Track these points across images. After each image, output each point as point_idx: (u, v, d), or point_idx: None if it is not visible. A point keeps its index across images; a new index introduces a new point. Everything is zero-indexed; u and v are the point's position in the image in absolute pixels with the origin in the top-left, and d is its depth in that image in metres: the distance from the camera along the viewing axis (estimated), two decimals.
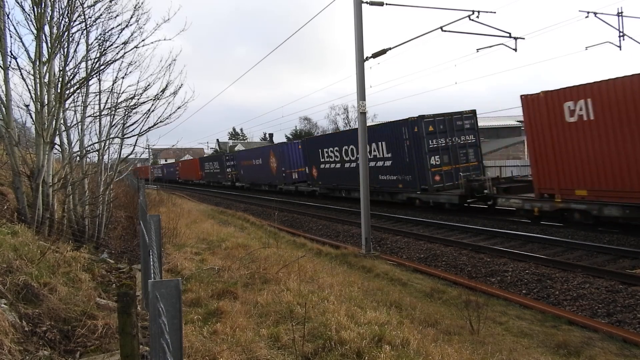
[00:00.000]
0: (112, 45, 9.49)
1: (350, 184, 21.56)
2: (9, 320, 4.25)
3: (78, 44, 9.23)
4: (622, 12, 13.43)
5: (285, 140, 68.38)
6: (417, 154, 17.79)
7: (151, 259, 3.43)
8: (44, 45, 8.44)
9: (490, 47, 13.03)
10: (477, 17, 11.90)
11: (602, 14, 13.45)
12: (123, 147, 10.97)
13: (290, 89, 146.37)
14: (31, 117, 8.58)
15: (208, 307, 5.96)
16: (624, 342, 5.99)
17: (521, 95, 13.55)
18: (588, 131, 11.84)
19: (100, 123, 10.65)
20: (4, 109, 8.20)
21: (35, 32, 8.32)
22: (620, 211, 11.38)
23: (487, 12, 12.17)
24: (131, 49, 9.63)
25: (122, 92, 10.62)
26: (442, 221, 15.53)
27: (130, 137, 10.47)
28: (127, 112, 10.47)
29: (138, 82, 10.41)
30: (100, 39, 9.53)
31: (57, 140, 9.22)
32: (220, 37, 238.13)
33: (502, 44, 12.83)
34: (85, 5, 8.85)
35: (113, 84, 10.41)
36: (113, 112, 10.59)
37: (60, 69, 8.82)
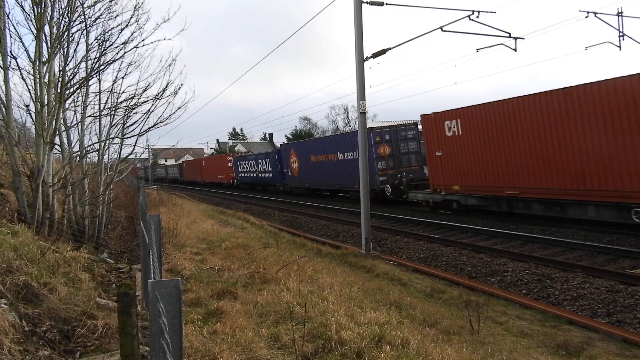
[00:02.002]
0: (112, 45, 9.48)
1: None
2: (9, 320, 4.24)
3: (78, 44, 9.23)
4: (622, 12, 13.43)
5: (285, 140, 67.95)
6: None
7: (151, 259, 3.43)
8: (44, 45, 8.44)
9: (490, 47, 13.04)
10: (477, 17, 11.90)
11: (602, 14, 13.46)
12: (123, 147, 10.97)
13: (289, 88, 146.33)
14: (31, 117, 8.58)
15: (208, 307, 5.96)
16: (624, 342, 5.99)
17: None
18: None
19: (100, 123, 10.65)
20: (4, 109, 8.20)
21: (35, 32, 8.31)
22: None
23: (487, 12, 12.17)
24: (131, 49, 9.62)
25: (122, 92, 10.60)
26: (442, 221, 15.54)
27: (130, 137, 10.46)
28: (127, 112, 10.46)
29: (138, 82, 10.39)
30: (100, 39, 9.53)
31: (57, 140, 9.22)
32: (218, 36, 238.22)
33: (502, 44, 12.83)
34: (85, 5, 8.85)
35: (113, 84, 10.40)
36: (113, 112, 10.58)
37: (60, 69, 8.82)
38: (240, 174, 39.24)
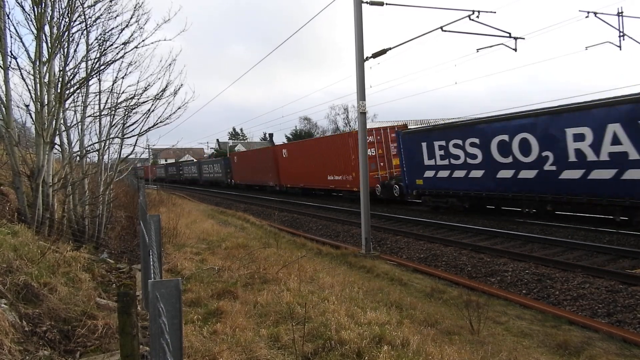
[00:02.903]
0: (112, 45, 9.49)
1: None
2: (9, 320, 4.24)
3: (78, 44, 9.24)
4: (622, 12, 13.43)
5: (285, 140, 67.38)
6: None
7: (151, 259, 3.43)
8: (44, 45, 8.44)
9: (490, 47, 13.03)
10: (477, 17, 11.90)
11: (602, 14, 13.45)
12: (123, 147, 10.98)
13: (288, 88, 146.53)
14: (31, 117, 8.58)
15: (208, 307, 5.96)
16: (624, 342, 5.99)
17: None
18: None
19: (100, 123, 10.66)
20: (4, 109, 8.20)
21: (35, 32, 8.31)
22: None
23: (487, 12, 12.17)
24: (131, 49, 9.63)
25: (122, 92, 10.62)
26: (442, 221, 15.53)
27: (130, 137, 10.48)
28: (127, 112, 10.47)
29: (138, 82, 10.40)
30: (100, 39, 9.54)
31: (57, 140, 9.22)
32: (218, 36, 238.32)
33: (502, 44, 12.83)
34: (85, 5, 8.86)
35: (113, 84, 10.42)
36: (113, 112, 10.59)
37: (60, 69, 8.82)
38: (433, 172, 16.95)
